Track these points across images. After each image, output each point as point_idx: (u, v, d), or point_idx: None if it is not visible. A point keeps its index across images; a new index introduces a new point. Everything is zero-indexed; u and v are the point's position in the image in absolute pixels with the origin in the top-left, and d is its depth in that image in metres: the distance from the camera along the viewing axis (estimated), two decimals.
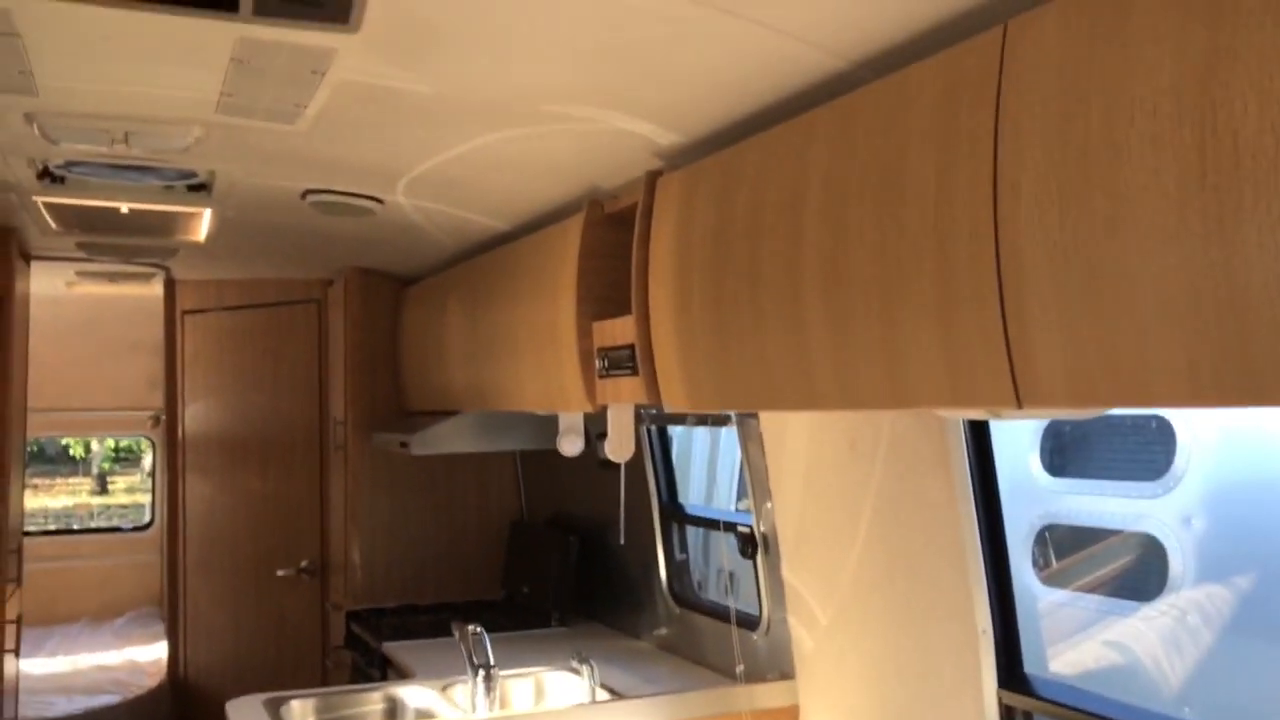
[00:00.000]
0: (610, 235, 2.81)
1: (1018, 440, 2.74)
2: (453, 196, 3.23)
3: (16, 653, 4.03)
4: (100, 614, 6.67)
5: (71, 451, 10.19)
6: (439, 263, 4.27)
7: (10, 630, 3.93)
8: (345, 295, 4.69)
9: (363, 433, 4.58)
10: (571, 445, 3.34)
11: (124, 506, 9.63)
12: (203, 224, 3.87)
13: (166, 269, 5.08)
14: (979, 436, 2.35)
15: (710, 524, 3.42)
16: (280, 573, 4.99)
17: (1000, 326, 1.47)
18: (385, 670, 3.70)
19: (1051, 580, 2.82)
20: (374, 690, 3.19)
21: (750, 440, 2.91)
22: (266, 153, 2.81)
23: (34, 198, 3.38)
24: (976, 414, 1.87)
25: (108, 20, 1.74)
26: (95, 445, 10.95)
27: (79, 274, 5.14)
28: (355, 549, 4.54)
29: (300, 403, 5.10)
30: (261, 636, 5.06)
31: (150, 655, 5.62)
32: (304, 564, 4.97)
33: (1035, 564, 2.90)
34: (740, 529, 3.08)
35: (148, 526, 7.22)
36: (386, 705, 3.10)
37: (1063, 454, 2.87)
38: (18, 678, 4.17)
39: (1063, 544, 2.94)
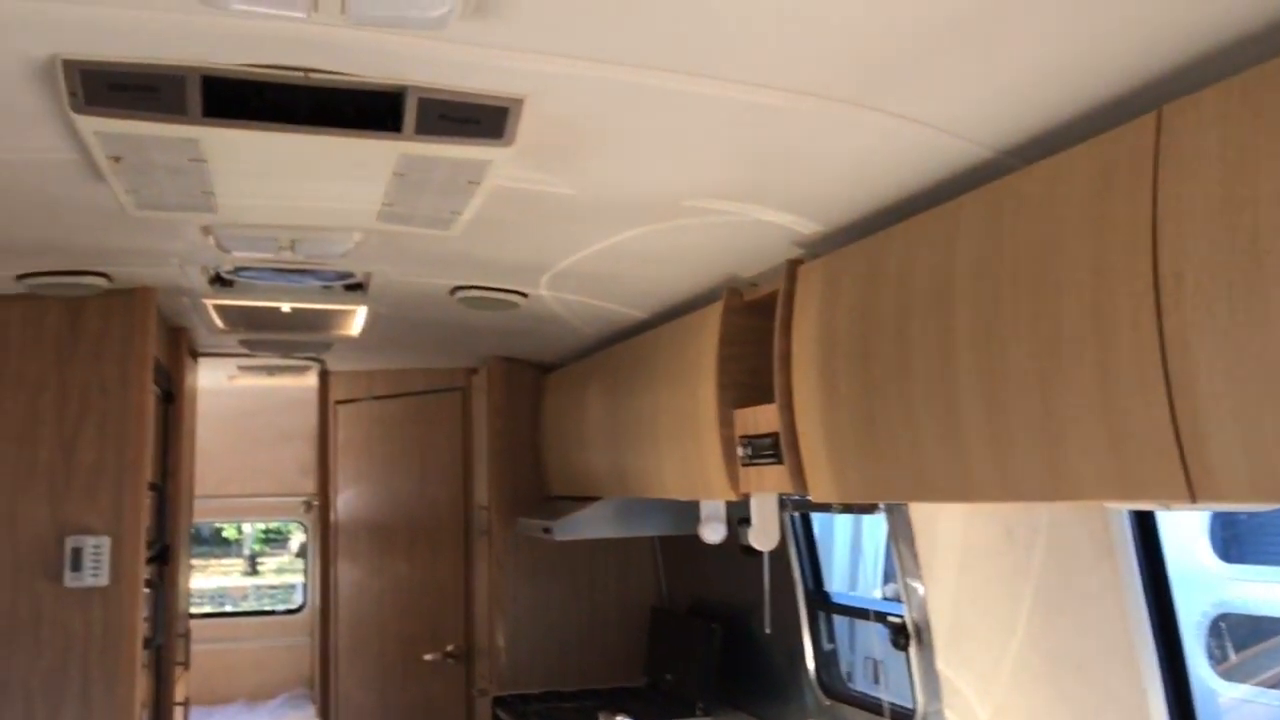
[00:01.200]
0: (749, 323, 2.83)
1: (1186, 525, 2.62)
2: (593, 288, 3.31)
3: None
4: (256, 694, 6.89)
5: (224, 534, 10.61)
6: (578, 350, 4.36)
7: (179, 712, 4.10)
8: (489, 383, 4.83)
9: (506, 518, 4.67)
10: (714, 533, 3.33)
11: (273, 587, 9.96)
12: (357, 320, 4.06)
13: (321, 361, 5.33)
14: (1144, 522, 2.25)
15: (859, 613, 3.35)
16: (427, 657, 5.08)
17: (1169, 417, 1.42)
18: None
19: (1231, 674, 2.66)
20: None
21: (900, 528, 2.85)
22: (420, 255, 2.94)
23: (205, 300, 3.61)
24: (1145, 506, 1.80)
25: (282, 143, 1.87)
26: (246, 527, 11.40)
27: (240, 368, 5.43)
28: (500, 634, 4.60)
29: (446, 488, 5.24)
30: None
31: None
32: (450, 648, 5.05)
33: (1211, 657, 2.74)
34: (891, 618, 3.00)
35: (299, 610, 7.46)
36: None
37: (1236, 538, 2.73)
38: None
39: (1241, 634, 2.78)
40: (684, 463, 3.09)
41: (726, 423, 2.78)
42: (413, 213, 2.30)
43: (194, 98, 1.67)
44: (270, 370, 5.52)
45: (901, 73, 1.66)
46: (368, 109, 1.77)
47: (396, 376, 5.43)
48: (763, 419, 2.61)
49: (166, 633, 3.94)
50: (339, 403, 5.66)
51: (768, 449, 2.56)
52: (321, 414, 5.70)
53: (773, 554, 3.54)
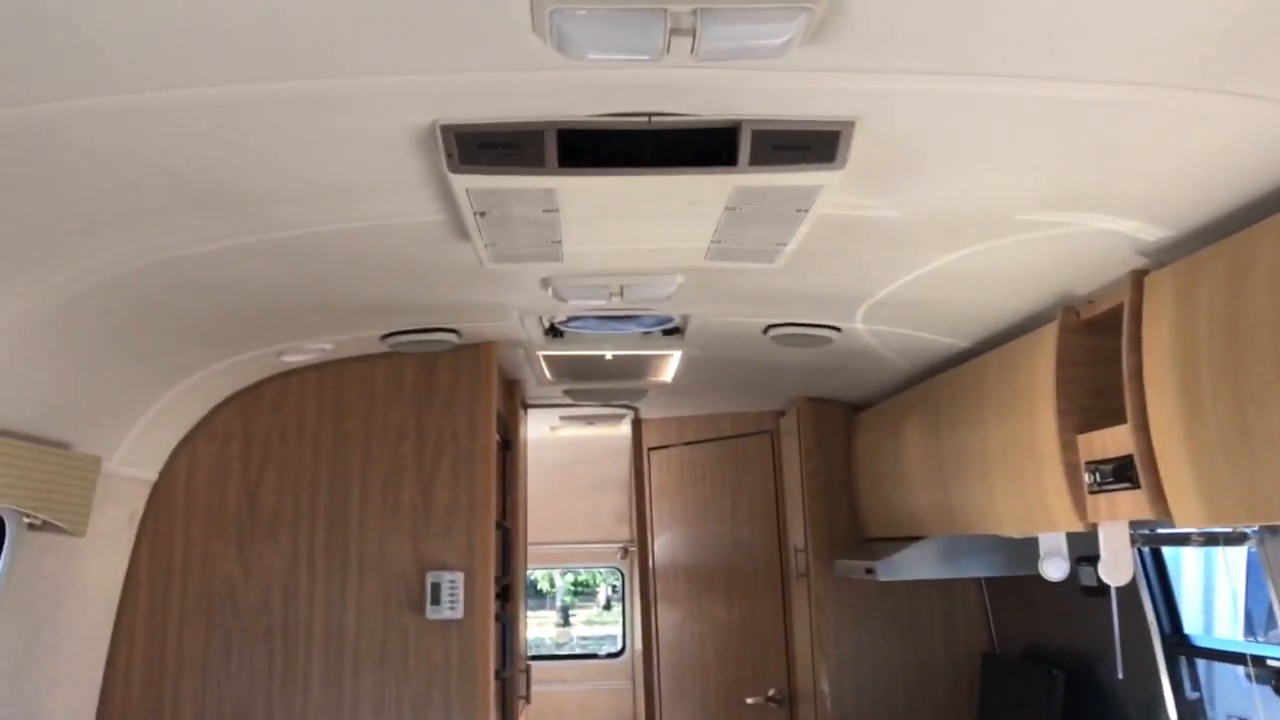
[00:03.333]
0: (1089, 342, 2.69)
1: None
2: (911, 318, 3.26)
3: None
4: None
5: (539, 586, 11.15)
6: (890, 387, 4.29)
7: None
8: (798, 424, 4.83)
9: (824, 560, 4.63)
10: (1056, 569, 3.15)
11: (584, 638, 10.35)
12: (671, 365, 4.21)
13: (635, 409, 5.55)
14: None
15: (1233, 658, 3.03)
16: (749, 700, 5.09)
17: None
18: None
19: None
20: None
21: (1278, 558, 2.58)
22: (737, 293, 3.02)
23: (538, 352, 3.87)
24: None
25: (626, 187, 1.99)
26: (558, 580, 11.95)
27: (562, 418, 5.76)
28: (824, 679, 4.54)
29: (759, 531, 5.27)
30: None
31: None
32: (771, 693, 5.04)
33: None
34: (1271, 662, 2.70)
35: (620, 654, 7.71)
36: None
37: None
38: None
39: None
40: (1021, 495, 2.95)
41: (1070, 449, 2.63)
42: (739, 247, 2.37)
43: (550, 149, 1.81)
44: (589, 420, 5.81)
45: (1266, 48, 1.54)
46: (704, 146, 1.85)
47: (706, 422, 5.56)
48: (1111, 442, 2.45)
49: (511, 667, 4.20)
50: (652, 449, 5.85)
51: (1121, 473, 2.40)
52: (636, 460, 5.92)
53: (1121, 593, 3.30)
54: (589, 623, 10.58)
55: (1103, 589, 3.58)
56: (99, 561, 3.35)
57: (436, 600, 3.57)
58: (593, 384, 4.70)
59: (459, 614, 3.58)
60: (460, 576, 3.60)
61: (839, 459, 4.75)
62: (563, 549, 7.60)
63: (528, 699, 4.60)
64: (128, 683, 3.51)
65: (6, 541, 2.78)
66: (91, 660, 3.43)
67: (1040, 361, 2.77)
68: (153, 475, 3.60)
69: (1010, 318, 3.08)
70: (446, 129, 1.78)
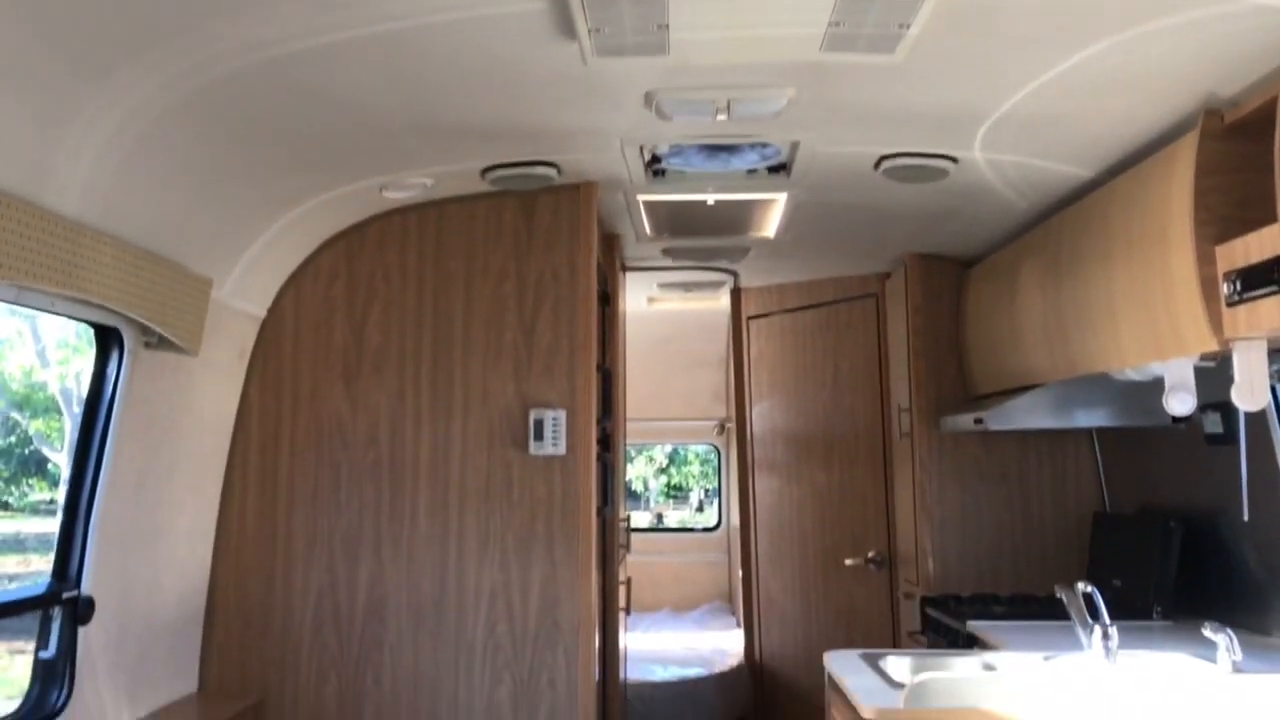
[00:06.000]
0: (1233, 148, 2.51)
1: None
2: (1032, 142, 3.08)
3: (628, 610, 4.48)
4: (679, 605, 7.28)
5: (633, 487, 11.27)
6: (1004, 236, 4.11)
7: (622, 590, 4.39)
8: (906, 282, 4.70)
9: (929, 420, 4.53)
10: (1181, 403, 2.99)
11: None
12: (775, 214, 4.10)
13: (734, 274, 5.46)
14: None
15: None
16: (848, 562, 5.07)
17: None
18: (971, 649, 3.57)
19: None
20: (968, 655, 3.08)
21: None
22: (849, 113, 2.89)
23: (638, 196, 3.79)
24: None
25: None
26: (651, 482, 12.09)
27: (660, 286, 5.70)
28: (926, 538, 4.48)
29: (861, 396, 5.18)
30: (831, 623, 5.16)
31: (729, 641, 5.98)
32: (871, 554, 5.01)
33: None
34: None
35: (715, 528, 7.78)
36: (984, 669, 2.98)
37: None
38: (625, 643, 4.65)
39: None
40: (1149, 322, 2.80)
41: (1206, 260, 2.48)
42: (858, 32, 2.24)
43: None
44: (687, 288, 5.74)
45: None
46: None
47: (807, 288, 5.45)
48: (1256, 246, 2.29)
49: (612, 508, 4.23)
50: (751, 318, 5.77)
51: (1265, 276, 2.24)
52: (735, 330, 5.85)
53: (1250, 438, 3.14)
54: (682, 524, 10.72)
55: (1229, 435, 3.42)
56: (212, 391, 3.43)
57: (540, 436, 3.59)
58: (693, 240, 4.62)
59: (561, 450, 3.60)
60: (563, 414, 3.61)
61: (947, 318, 4.61)
62: (660, 426, 7.65)
63: (628, 547, 4.65)
64: (242, 512, 3.63)
65: (126, 357, 2.85)
66: (209, 488, 3.55)
67: (1176, 173, 2.60)
68: (261, 312, 3.66)
69: (1142, 133, 2.88)
70: None
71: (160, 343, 2.90)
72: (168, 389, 3.09)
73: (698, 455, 11.42)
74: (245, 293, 3.45)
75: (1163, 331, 2.74)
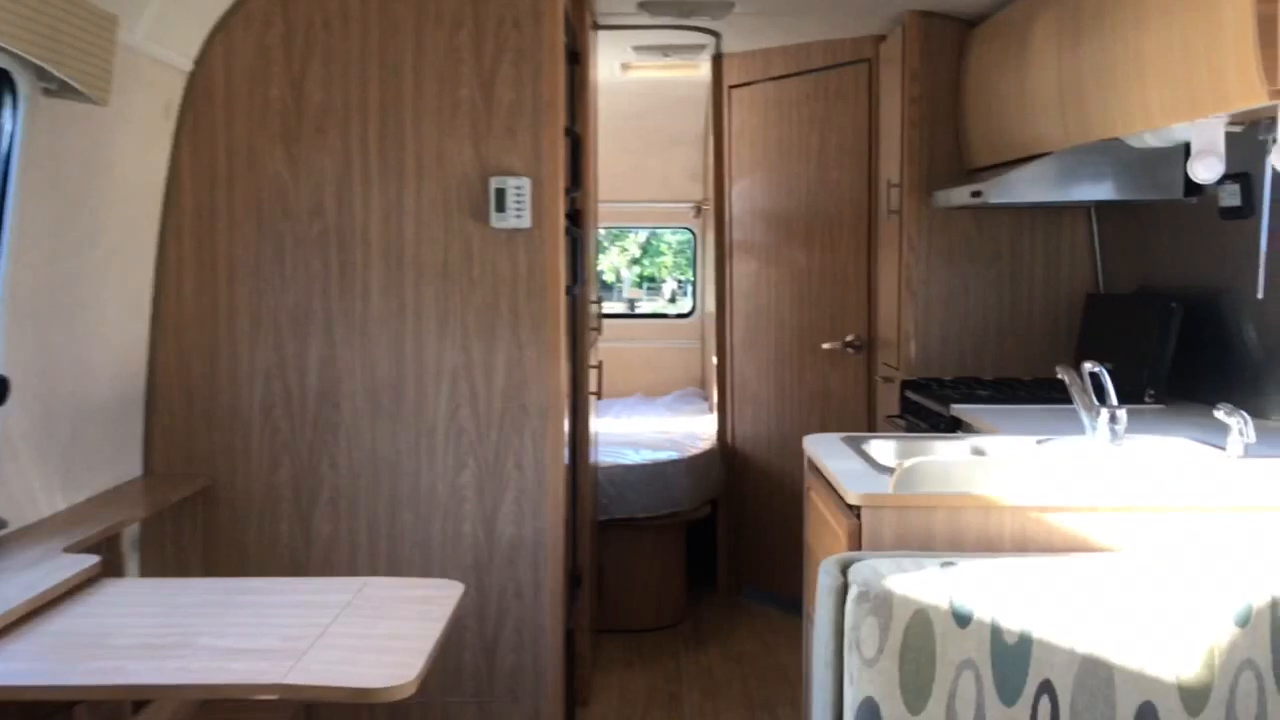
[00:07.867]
0: None
1: None
2: None
3: (599, 394, 4.31)
4: (651, 390, 7.17)
5: (605, 278, 11.02)
6: None
7: (593, 375, 4.20)
8: (904, 45, 4.30)
9: (920, 194, 4.24)
10: (1208, 169, 2.71)
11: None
12: None
13: (717, 36, 5.01)
14: None
15: None
16: (825, 346, 4.90)
17: None
18: (956, 432, 3.42)
19: None
20: (956, 439, 2.92)
21: None
22: None
23: None
24: None
25: None
26: (624, 272, 11.80)
27: (635, 48, 5.25)
28: (910, 320, 4.28)
29: (848, 171, 4.87)
30: (805, 407, 5.04)
31: (701, 426, 5.89)
32: (850, 338, 4.83)
33: None
34: None
35: (690, 314, 7.59)
36: (973, 454, 2.82)
37: None
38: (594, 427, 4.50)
39: None
40: (1184, 76, 2.48)
41: None
42: None
43: None
44: (665, 51, 5.30)
45: None
46: None
47: (795, 53, 5.02)
48: None
49: (582, 287, 3.98)
50: (733, 87, 5.36)
51: None
52: (715, 101, 5.44)
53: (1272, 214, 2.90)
54: (655, 314, 10.55)
55: (1247, 208, 3.17)
56: (134, 151, 3.08)
57: (501, 207, 3.28)
58: None
59: (526, 223, 3.30)
60: (527, 183, 3.29)
61: (946, 85, 4.24)
62: (634, 208, 7.32)
63: (599, 331, 4.44)
64: (180, 287, 3.34)
65: (21, 103, 2.49)
66: (139, 260, 3.25)
67: None
68: (187, 64, 3.25)
69: None
70: None
71: (63, 89, 2.53)
72: (78, 146, 2.74)
73: (670, 246, 11.11)
74: (163, 38, 3.04)
75: (1199, 86, 2.43)
